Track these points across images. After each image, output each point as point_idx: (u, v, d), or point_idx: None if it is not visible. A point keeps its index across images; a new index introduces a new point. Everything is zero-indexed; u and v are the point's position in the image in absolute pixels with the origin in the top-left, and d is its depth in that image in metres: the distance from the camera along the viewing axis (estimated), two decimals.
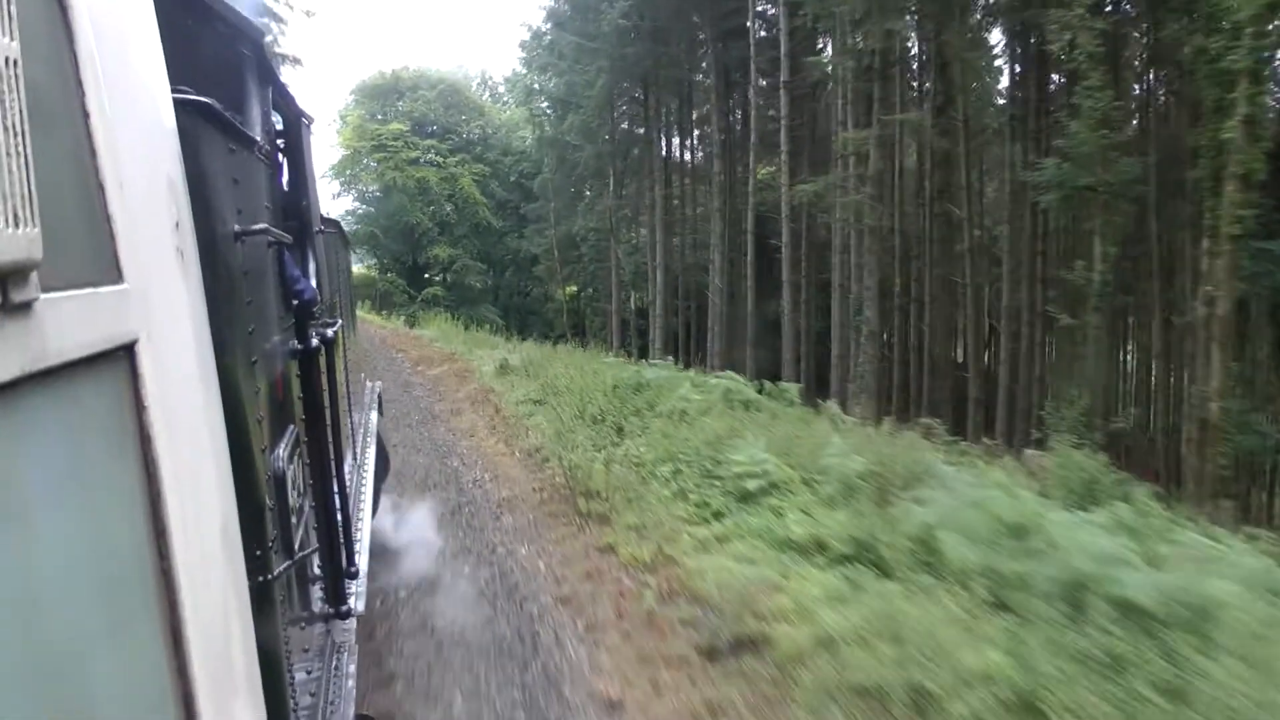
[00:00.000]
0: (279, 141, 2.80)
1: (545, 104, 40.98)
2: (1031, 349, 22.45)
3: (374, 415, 6.31)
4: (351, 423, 4.70)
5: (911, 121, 22.42)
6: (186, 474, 1.04)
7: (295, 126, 3.01)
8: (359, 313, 31.36)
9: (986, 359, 25.37)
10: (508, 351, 17.68)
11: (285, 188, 2.93)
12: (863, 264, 22.10)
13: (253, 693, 1.29)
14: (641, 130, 36.54)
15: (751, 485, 6.61)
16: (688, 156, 37.84)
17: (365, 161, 43.03)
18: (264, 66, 2.32)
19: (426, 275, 44.53)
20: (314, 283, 2.89)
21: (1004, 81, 26.84)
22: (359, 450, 5.11)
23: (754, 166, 28.24)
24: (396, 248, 43.25)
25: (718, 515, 6.48)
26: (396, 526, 6.74)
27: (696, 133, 37.03)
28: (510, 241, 45.17)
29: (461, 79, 48.11)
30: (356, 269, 45.34)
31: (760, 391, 11.51)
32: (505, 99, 50.51)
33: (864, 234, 22.04)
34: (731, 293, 29.83)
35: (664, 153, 36.12)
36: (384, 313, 35.18)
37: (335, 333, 3.18)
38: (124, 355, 0.92)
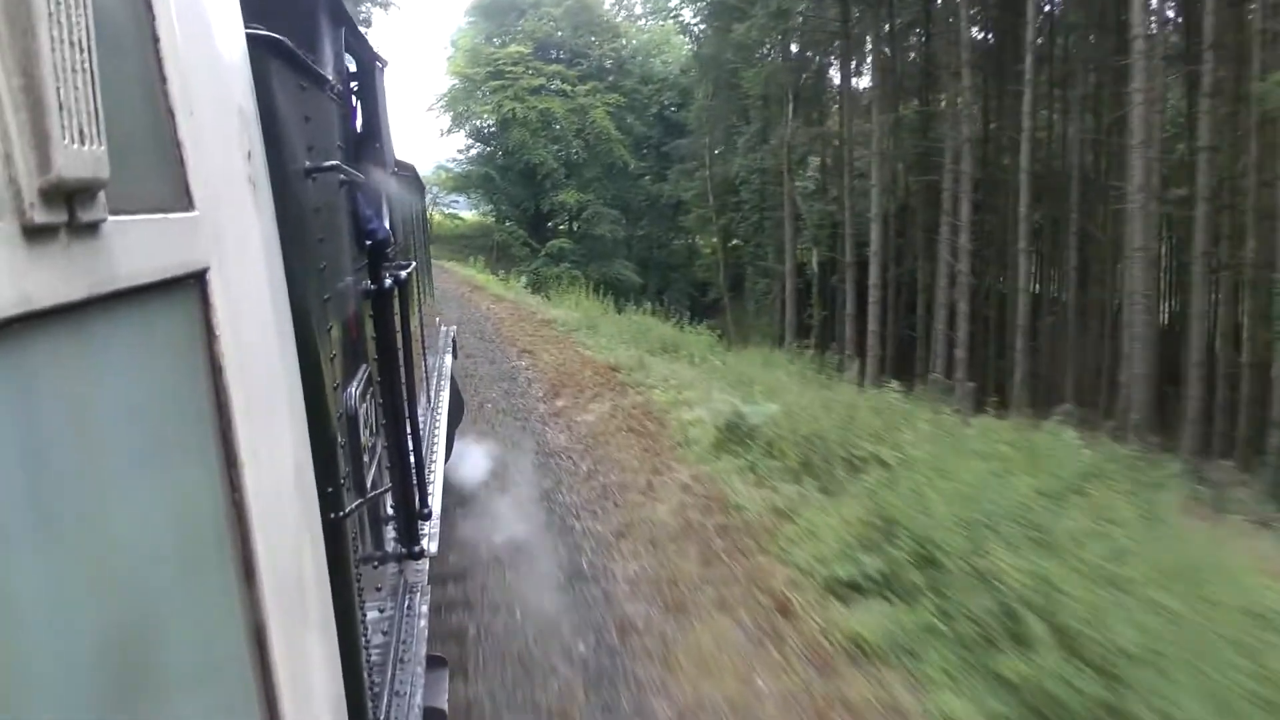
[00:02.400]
0: (352, 84, 3.25)
1: (697, 18, 40.64)
2: None
3: (448, 359, 7.26)
4: (426, 365, 5.40)
5: None
6: (258, 405, 1.22)
7: (369, 68, 3.45)
8: (470, 270, 32.33)
9: None
10: (725, 380, 11.91)
11: (358, 129, 3.36)
12: None
13: (325, 628, 1.52)
14: (810, 53, 35.73)
15: None
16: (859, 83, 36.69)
17: (479, 92, 43.98)
18: (337, 7, 2.69)
19: (550, 224, 45.44)
20: (387, 224, 3.30)
21: None
22: (433, 393, 5.79)
23: (1031, 70, 23.56)
24: (516, 192, 44.17)
25: None
26: None
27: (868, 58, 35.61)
28: (648, 185, 45.48)
29: None
30: (470, 216, 46.87)
31: None
32: (643, 18, 50.53)
33: None
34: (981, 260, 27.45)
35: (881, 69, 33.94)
36: (501, 272, 35.20)
37: (409, 274, 3.68)
38: (194, 283, 1.09)
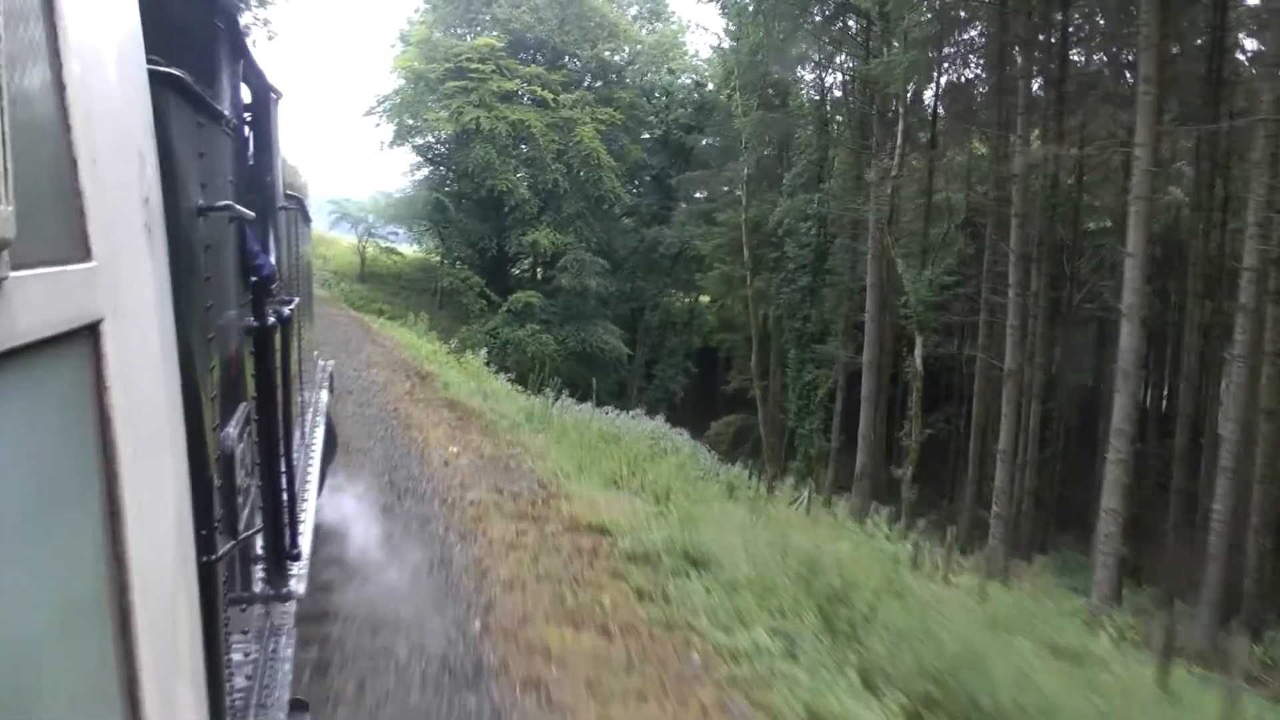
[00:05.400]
0: (246, 115, 4.12)
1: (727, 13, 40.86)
2: None
3: (324, 394, 8.66)
4: (301, 400, 6.51)
5: None
6: (143, 455, 1.53)
7: (263, 100, 4.39)
8: (408, 333, 30.74)
9: None
10: None
11: (250, 161, 4.28)
12: None
13: (195, 675, 1.88)
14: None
15: None
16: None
17: (434, 96, 43.40)
18: (235, 39, 3.44)
19: (514, 271, 45.67)
20: (273, 259, 4.20)
21: None
22: (307, 429, 7.14)
23: None
24: (473, 227, 44.09)
25: None
26: None
27: None
28: (640, 227, 45.81)
29: None
30: (411, 251, 47.02)
31: None
32: (640, 20, 50.62)
33: None
34: None
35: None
36: (452, 340, 33.01)
37: (291, 311, 4.63)
38: (88, 334, 1.39)
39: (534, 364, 38.96)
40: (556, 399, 26.41)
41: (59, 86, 1.35)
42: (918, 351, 29.58)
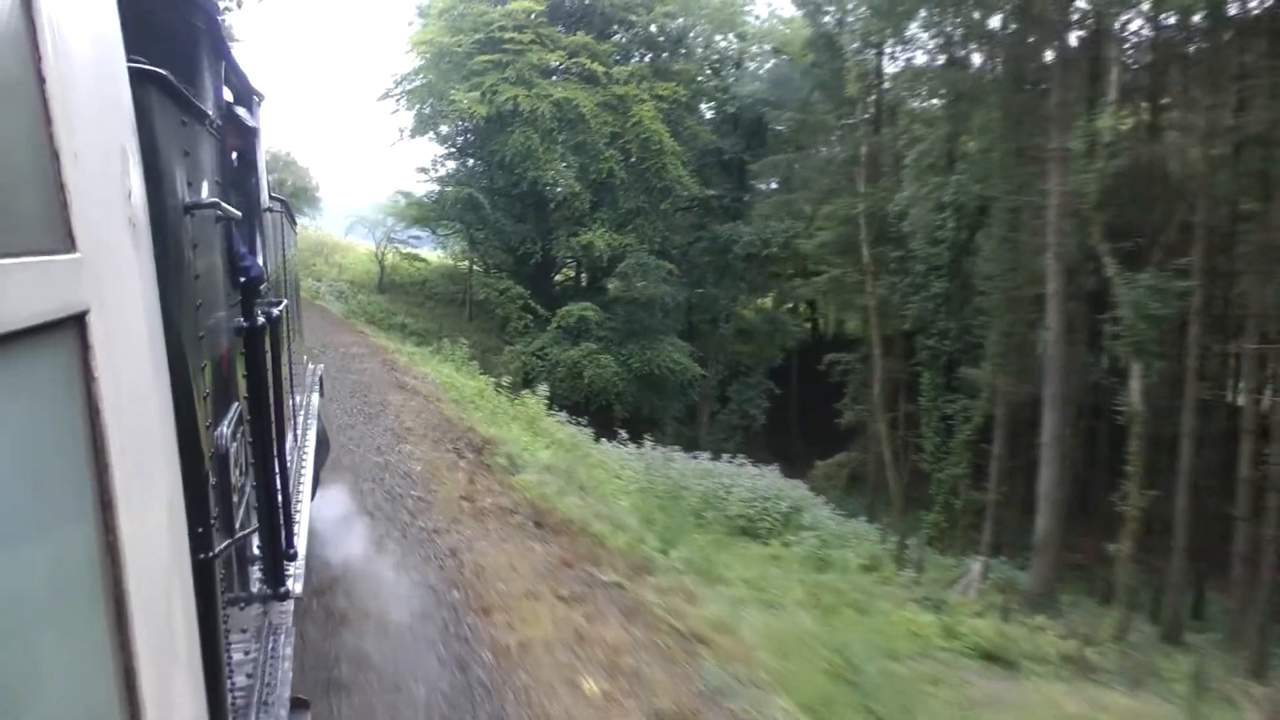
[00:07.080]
0: (230, 116, 4.69)
1: None
2: None
3: (315, 397, 9.97)
4: (293, 403, 7.52)
5: None
6: (133, 446, 1.79)
7: (246, 102, 5.11)
8: (441, 367, 29.94)
9: None
10: None
11: (234, 163, 4.95)
12: None
13: (193, 670, 2.17)
14: None
15: None
16: None
17: (459, 78, 42.58)
18: (217, 40, 3.96)
19: (558, 279, 45.66)
20: (260, 260, 4.88)
21: None
22: (300, 431, 8.38)
23: None
24: (512, 228, 43.69)
25: None
26: None
27: None
28: (714, 222, 45.33)
29: None
30: (435, 256, 47.44)
31: None
32: None
33: None
34: None
35: None
36: (500, 374, 31.59)
37: (280, 312, 5.34)
38: (74, 325, 1.64)
39: (591, 388, 39.26)
40: (644, 445, 27.60)
41: (38, 79, 1.57)
42: (1134, 383, 25.29)
